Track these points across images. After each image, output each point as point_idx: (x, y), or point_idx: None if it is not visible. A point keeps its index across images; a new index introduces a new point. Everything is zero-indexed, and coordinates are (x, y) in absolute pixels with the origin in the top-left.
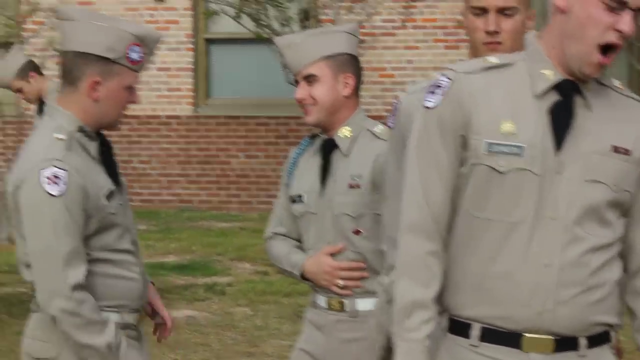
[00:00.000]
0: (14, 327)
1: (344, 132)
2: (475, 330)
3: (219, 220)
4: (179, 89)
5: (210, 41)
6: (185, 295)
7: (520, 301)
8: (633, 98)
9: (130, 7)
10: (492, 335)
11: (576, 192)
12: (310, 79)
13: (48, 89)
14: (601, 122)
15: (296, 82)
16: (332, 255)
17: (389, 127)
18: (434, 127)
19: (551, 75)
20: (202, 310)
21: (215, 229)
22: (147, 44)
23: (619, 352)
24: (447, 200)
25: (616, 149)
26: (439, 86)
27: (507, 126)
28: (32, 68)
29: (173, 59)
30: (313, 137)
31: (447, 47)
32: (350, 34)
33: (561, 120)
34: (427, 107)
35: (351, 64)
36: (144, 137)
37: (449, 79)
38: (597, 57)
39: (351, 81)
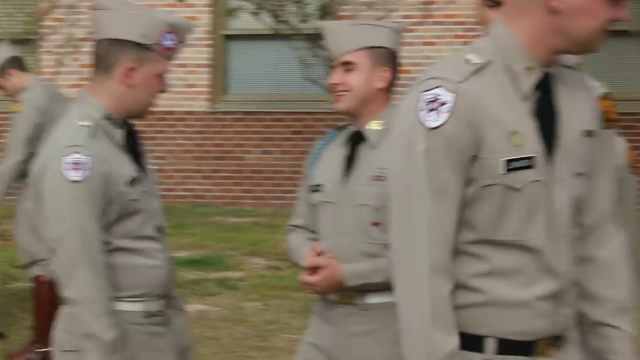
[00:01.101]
0: (27, 322)
1: (374, 124)
2: (490, 344)
3: (232, 215)
4: (195, 85)
5: (228, 37)
6: (196, 289)
7: (538, 314)
8: (576, 70)
9: (149, 3)
10: (507, 346)
11: (568, 191)
12: (348, 66)
13: (28, 86)
14: (569, 107)
15: (331, 67)
16: (340, 247)
17: None
18: (441, 149)
19: (533, 71)
20: (213, 305)
21: (228, 224)
22: (179, 32)
23: None
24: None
25: (586, 133)
26: (442, 102)
27: (516, 138)
28: (13, 65)
29: (191, 55)
30: (340, 128)
31: (465, 44)
32: (396, 30)
33: (549, 121)
34: (431, 128)
35: (390, 58)
36: (159, 133)
37: (451, 92)
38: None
39: (387, 75)
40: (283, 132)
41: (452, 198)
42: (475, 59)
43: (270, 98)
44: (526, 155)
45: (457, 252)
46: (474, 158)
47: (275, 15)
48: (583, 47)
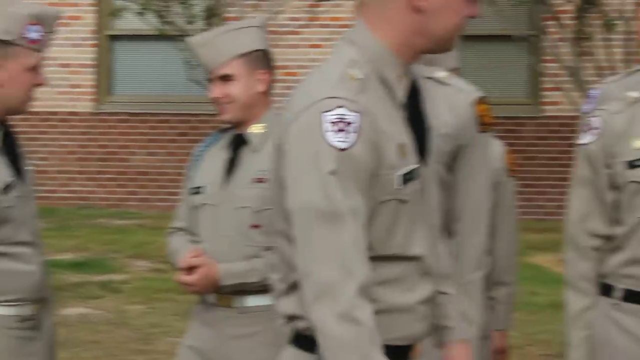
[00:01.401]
0: None
1: (256, 128)
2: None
3: (117, 217)
4: (79, 86)
5: (113, 37)
6: (79, 292)
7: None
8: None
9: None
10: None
11: (436, 196)
12: (225, 78)
13: None
14: (432, 113)
15: (209, 80)
16: (220, 250)
17: None
18: (352, 170)
19: (404, 78)
20: (96, 308)
21: (112, 227)
22: (45, 23)
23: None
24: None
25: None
26: (348, 122)
27: (404, 150)
28: None
29: (75, 55)
30: (222, 131)
31: None
32: (260, 27)
33: (420, 129)
34: (341, 149)
35: (265, 59)
36: (42, 134)
37: (354, 112)
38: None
39: (266, 77)
40: (168, 134)
41: (362, 219)
42: (358, 73)
43: (155, 99)
44: (412, 167)
45: None
46: (375, 176)
47: (161, 16)
48: (443, 45)
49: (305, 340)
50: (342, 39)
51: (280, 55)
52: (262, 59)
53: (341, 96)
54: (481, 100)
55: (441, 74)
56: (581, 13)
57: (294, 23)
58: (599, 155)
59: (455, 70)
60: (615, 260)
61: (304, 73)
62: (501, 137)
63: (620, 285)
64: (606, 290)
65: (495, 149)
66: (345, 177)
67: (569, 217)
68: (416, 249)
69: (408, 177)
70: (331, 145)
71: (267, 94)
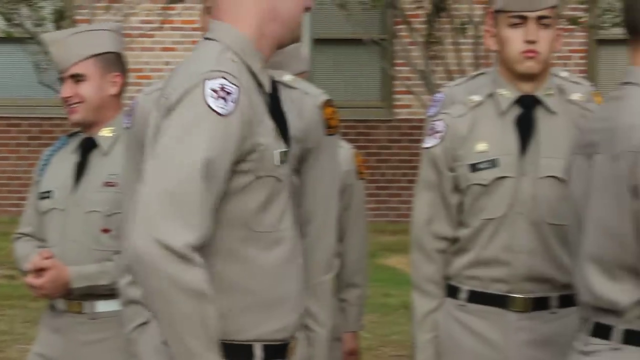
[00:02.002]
0: None
1: (106, 131)
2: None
3: None
4: None
5: None
6: None
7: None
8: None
9: None
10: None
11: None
12: (77, 77)
13: None
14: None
15: (61, 80)
16: (70, 255)
17: (126, 127)
18: (226, 135)
19: (266, 70)
20: None
21: None
22: None
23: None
24: None
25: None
26: (228, 92)
27: (276, 132)
28: None
29: None
30: (71, 135)
31: None
32: (116, 32)
33: (281, 120)
34: (221, 114)
35: (118, 62)
36: None
37: (234, 85)
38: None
39: (119, 80)
40: (19, 138)
41: (220, 185)
42: (234, 57)
43: (5, 103)
44: (285, 149)
45: (223, 251)
46: (252, 151)
47: (8, 19)
48: (292, 34)
49: None
50: (202, 40)
51: (132, 59)
52: (115, 62)
53: (223, 70)
54: (328, 103)
55: (288, 77)
56: (431, 17)
57: (147, 26)
58: (442, 158)
59: (303, 74)
60: (460, 262)
61: (157, 76)
62: (354, 140)
63: (466, 286)
64: (452, 291)
65: (345, 151)
66: (221, 141)
67: (414, 220)
68: (285, 232)
69: (283, 159)
70: (212, 110)
71: (118, 97)
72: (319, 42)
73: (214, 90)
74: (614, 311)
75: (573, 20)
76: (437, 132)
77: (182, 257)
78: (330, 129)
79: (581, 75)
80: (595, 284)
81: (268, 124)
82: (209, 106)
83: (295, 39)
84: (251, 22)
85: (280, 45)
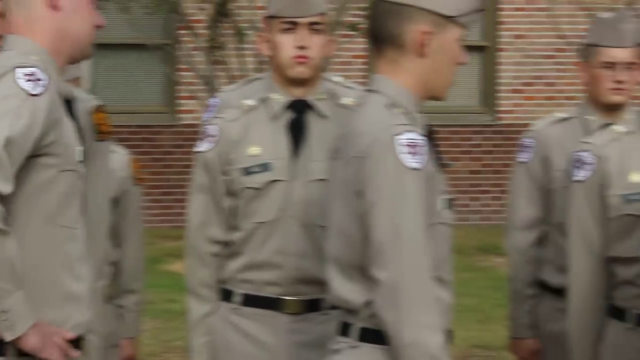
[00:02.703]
0: None
1: None
2: None
3: None
4: None
5: None
6: None
7: None
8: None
9: None
10: None
11: None
12: None
13: None
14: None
15: None
16: None
17: None
18: (35, 117)
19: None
20: None
21: None
22: None
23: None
24: None
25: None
26: (38, 79)
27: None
28: None
29: None
30: None
31: None
32: None
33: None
34: (32, 94)
35: None
36: None
37: (44, 76)
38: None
39: None
40: None
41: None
42: (34, 61)
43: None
44: (81, 148)
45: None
46: (53, 143)
47: None
48: (82, 52)
49: None
50: (2, 52)
51: None
52: None
53: (34, 64)
54: (99, 109)
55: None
56: (214, 23)
57: None
58: (216, 162)
59: (75, 80)
60: (233, 265)
61: None
62: (138, 146)
63: (240, 290)
64: (226, 295)
65: (120, 157)
66: (31, 119)
67: (188, 224)
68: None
69: (80, 158)
70: (23, 90)
71: None
72: (101, 47)
73: (27, 75)
74: (351, 310)
75: (352, 27)
76: (211, 136)
77: None
78: (101, 134)
79: (363, 80)
80: (335, 285)
81: (68, 123)
82: (20, 87)
83: (86, 56)
84: (44, 36)
85: (72, 61)
